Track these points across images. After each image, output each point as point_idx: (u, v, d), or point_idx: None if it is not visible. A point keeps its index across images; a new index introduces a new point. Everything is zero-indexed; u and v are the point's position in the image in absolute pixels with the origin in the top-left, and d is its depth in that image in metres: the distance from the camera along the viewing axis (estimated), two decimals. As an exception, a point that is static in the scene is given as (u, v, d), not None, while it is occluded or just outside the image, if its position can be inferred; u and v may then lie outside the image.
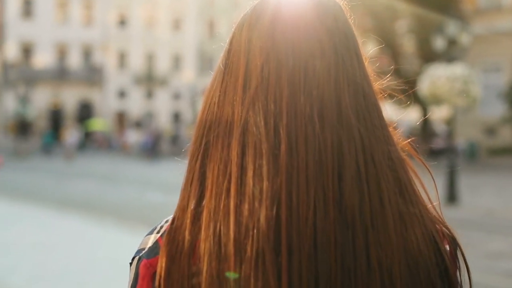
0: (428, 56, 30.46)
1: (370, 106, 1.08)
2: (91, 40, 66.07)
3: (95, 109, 65.79)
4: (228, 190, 1.02)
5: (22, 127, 53.32)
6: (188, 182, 1.09)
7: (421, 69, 29.90)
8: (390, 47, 30.77)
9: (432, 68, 17.39)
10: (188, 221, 1.05)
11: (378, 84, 1.16)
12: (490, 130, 37.68)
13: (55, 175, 27.96)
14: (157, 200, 18.45)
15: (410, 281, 1.02)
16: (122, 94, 67.71)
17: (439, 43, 19.61)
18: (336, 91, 1.05)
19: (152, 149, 42.64)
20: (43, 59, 63.91)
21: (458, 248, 1.11)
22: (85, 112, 64.98)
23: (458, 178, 17.58)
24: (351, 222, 1.00)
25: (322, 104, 1.04)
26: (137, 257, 1.11)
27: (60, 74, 64.23)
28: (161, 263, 1.05)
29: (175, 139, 52.40)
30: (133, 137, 52.44)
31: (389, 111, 1.16)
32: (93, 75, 66.03)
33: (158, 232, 1.12)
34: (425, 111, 27.14)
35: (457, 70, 16.87)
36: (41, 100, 61.93)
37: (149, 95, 69.02)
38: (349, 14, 1.15)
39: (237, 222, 1.00)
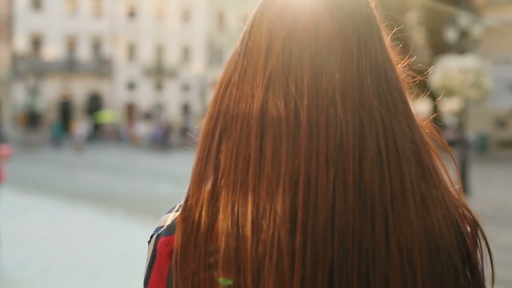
0: (439, 48, 30.32)
1: (393, 89, 1.07)
2: (101, 32, 66.10)
3: (104, 101, 65.87)
4: (247, 171, 1.02)
5: (32, 119, 53.47)
6: (202, 160, 1.09)
7: (432, 61, 29.80)
8: (400, 38, 30.57)
9: (444, 60, 17.28)
10: (205, 200, 1.05)
11: (400, 68, 1.16)
12: (500, 122, 37.54)
13: (64, 167, 28.01)
14: (167, 191, 18.45)
15: (430, 264, 1.01)
16: (131, 85, 67.76)
17: (451, 35, 19.50)
18: (359, 74, 1.04)
19: (163, 141, 42.67)
20: (52, 51, 63.99)
21: (479, 230, 1.10)
22: (94, 104, 65.08)
23: (470, 170, 17.50)
24: (371, 205, 0.99)
25: (344, 86, 1.03)
26: (155, 235, 1.11)
27: (70, 66, 64.33)
28: (177, 240, 1.05)
29: (184, 131, 52.40)
30: (143, 129, 52.48)
31: None
32: (102, 66, 66.09)
33: (177, 211, 1.11)
34: (435, 103, 27.03)
35: (469, 62, 16.76)
36: (50, 92, 62.06)
37: (159, 86, 69.05)
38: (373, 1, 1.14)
39: (255, 204, 1.00)
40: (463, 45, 19.19)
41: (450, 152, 1.17)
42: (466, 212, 1.10)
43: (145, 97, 68.19)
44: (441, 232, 1.02)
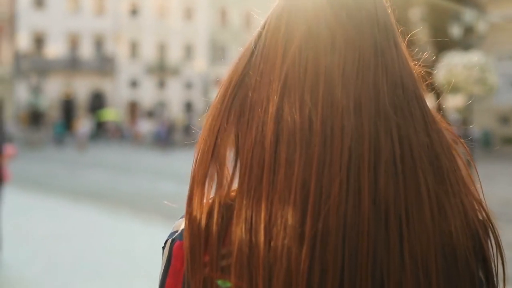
0: (443, 45, 30.26)
1: (409, 96, 1.06)
2: (103, 30, 66.14)
3: (107, 99, 65.92)
4: (261, 177, 1.01)
5: (34, 117, 53.57)
6: (207, 159, 1.07)
7: (436, 58, 29.72)
8: (403, 35, 30.59)
9: (449, 56, 17.19)
10: (216, 204, 1.04)
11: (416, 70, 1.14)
12: (504, 119, 37.49)
13: (68, 166, 28.02)
14: (171, 190, 18.42)
15: (447, 272, 1.01)
16: (134, 83, 67.80)
17: (455, 31, 19.43)
18: (375, 83, 1.03)
19: (166, 139, 42.67)
20: (55, 49, 64.05)
21: (494, 235, 1.09)
22: (97, 102, 65.15)
23: (475, 166, 17.43)
24: (385, 215, 0.98)
25: (360, 95, 1.02)
26: (170, 240, 1.11)
27: (72, 64, 64.39)
28: (186, 244, 1.05)
29: (187, 129, 52.38)
30: (145, 126, 52.50)
31: None
32: (105, 65, 66.15)
33: None
34: (439, 99, 26.90)
35: (473, 58, 16.67)
36: (53, 90, 62.12)
37: (161, 84, 69.07)
38: (388, 3, 1.14)
39: (268, 211, 0.99)
40: (467, 41, 19.11)
41: (470, 155, 1.16)
42: (484, 215, 1.09)
43: (147, 95, 68.23)
44: (458, 240, 1.02)
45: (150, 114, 64.80)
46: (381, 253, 0.98)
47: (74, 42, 65.50)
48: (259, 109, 1.04)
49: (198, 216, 1.04)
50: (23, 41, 62.97)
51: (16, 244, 10.35)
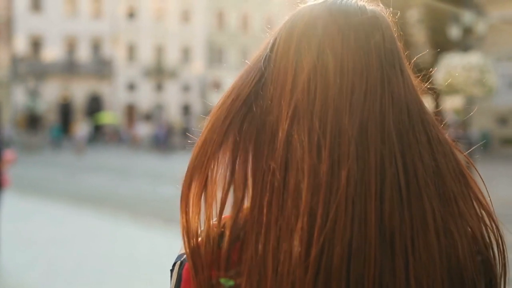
0: (441, 46, 30.24)
1: (415, 122, 1.07)
2: (100, 33, 66.10)
3: (104, 102, 65.87)
4: (270, 203, 1.02)
5: (32, 121, 53.48)
6: (211, 177, 1.08)
7: (434, 59, 29.69)
8: (401, 36, 30.63)
9: (448, 57, 17.16)
10: (228, 224, 1.05)
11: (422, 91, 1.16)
12: (503, 120, 37.49)
13: (66, 169, 27.97)
14: (170, 193, 18.34)
15: None
16: (131, 86, 67.76)
17: (454, 32, 19.39)
18: (381, 111, 1.05)
19: (165, 142, 42.62)
20: (52, 52, 63.99)
21: (501, 254, 1.10)
22: (94, 105, 65.08)
23: (475, 167, 17.39)
24: (390, 242, 1.00)
25: (367, 124, 1.03)
26: (179, 262, 1.11)
27: (69, 67, 64.34)
28: (190, 262, 1.06)
29: (185, 132, 52.24)
30: (143, 129, 52.44)
31: None
32: (102, 68, 66.10)
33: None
34: (437, 100, 26.91)
35: (473, 59, 16.64)
36: (50, 93, 62.05)
37: (159, 87, 69.04)
38: (395, 28, 1.15)
39: (276, 238, 1.00)
40: (466, 42, 19.08)
41: (479, 174, 1.19)
42: (490, 232, 1.10)
43: (145, 98, 68.19)
44: (465, 263, 1.03)
45: (148, 117, 64.76)
46: (387, 280, 0.99)
47: (71, 45, 65.45)
48: (269, 134, 1.06)
49: (206, 239, 1.05)
50: (20, 45, 62.92)
51: (15, 249, 10.30)
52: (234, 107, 1.10)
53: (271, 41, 1.15)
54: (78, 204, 15.98)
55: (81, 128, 44.19)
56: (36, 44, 64.16)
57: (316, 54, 1.06)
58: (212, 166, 1.08)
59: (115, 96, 66.49)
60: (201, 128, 1.15)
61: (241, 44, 73.18)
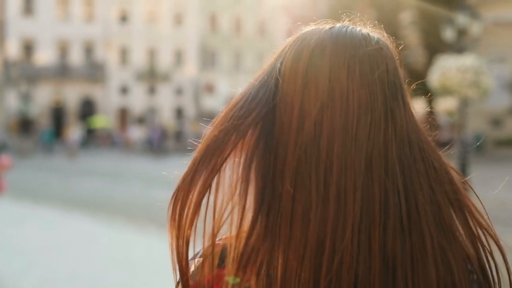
0: (434, 48, 30.30)
1: (415, 152, 1.10)
2: (93, 37, 65.96)
3: (97, 106, 65.72)
4: (279, 232, 1.05)
5: (24, 125, 53.30)
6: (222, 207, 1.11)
7: (427, 61, 29.74)
8: (394, 38, 30.70)
9: (442, 59, 17.16)
10: (241, 242, 1.07)
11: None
12: (496, 122, 37.56)
13: (59, 174, 27.87)
14: (165, 197, 18.26)
15: None
16: (124, 90, 67.63)
17: (448, 33, 19.38)
18: (384, 143, 1.07)
19: (159, 146, 42.53)
20: (44, 56, 63.81)
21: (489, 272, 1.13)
22: (87, 109, 64.93)
23: (470, 170, 17.38)
24: (392, 271, 1.04)
25: (371, 156, 1.06)
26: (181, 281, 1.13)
27: (62, 71, 64.17)
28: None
29: (178, 135, 52.26)
30: (136, 133, 52.33)
31: None
32: (95, 71, 65.96)
33: (200, 257, 1.13)
34: (431, 103, 27.01)
35: (467, 61, 16.65)
36: (43, 97, 61.88)
37: (152, 91, 68.93)
38: (397, 56, 1.16)
39: (284, 265, 1.03)
40: (460, 44, 19.08)
41: (476, 195, 1.19)
42: (487, 251, 1.13)
43: (138, 101, 68.07)
44: (461, 286, 1.07)
45: (141, 120, 64.65)
46: None
47: (63, 49, 65.28)
48: (280, 165, 1.08)
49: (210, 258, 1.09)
50: (13, 48, 62.73)
51: (10, 256, 10.25)
52: (244, 124, 1.11)
53: (278, 65, 1.14)
54: (72, 209, 15.90)
55: (74, 132, 44.06)
56: (28, 48, 63.98)
57: (322, 87, 1.08)
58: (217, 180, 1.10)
59: (108, 100, 66.36)
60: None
61: (234, 47, 73.20)
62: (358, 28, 1.16)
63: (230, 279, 1.05)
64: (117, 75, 66.93)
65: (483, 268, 1.11)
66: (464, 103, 18.16)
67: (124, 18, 68.14)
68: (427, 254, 1.05)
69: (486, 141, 36.03)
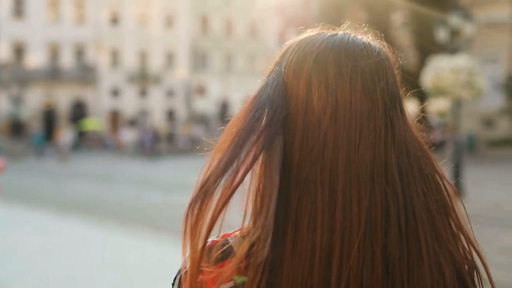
0: (426, 49, 30.30)
1: (412, 159, 1.13)
2: (84, 39, 65.79)
3: (88, 108, 65.56)
4: (286, 234, 1.07)
5: (16, 128, 53.16)
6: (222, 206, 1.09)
7: (420, 62, 29.74)
8: (385, 39, 30.68)
9: (435, 60, 17.16)
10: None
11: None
12: (488, 122, 37.63)
13: (51, 177, 27.77)
14: (157, 200, 18.29)
15: None
16: (115, 92, 67.50)
17: (441, 34, 19.37)
18: (385, 152, 1.11)
19: (151, 148, 42.41)
20: (35, 59, 63.59)
21: (477, 274, 1.19)
22: (78, 111, 64.75)
23: (463, 171, 17.39)
24: (391, 275, 1.08)
25: (373, 165, 1.09)
26: (179, 276, 1.16)
27: (53, 74, 63.97)
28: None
29: (170, 137, 52.15)
30: (128, 135, 52.18)
31: None
32: (86, 74, 65.79)
33: None
34: (423, 103, 26.89)
35: (461, 61, 16.65)
36: (34, 100, 61.66)
37: (143, 93, 68.83)
38: (396, 66, 1.19)
39: (291, 269, 1.06)
40: (453, 45, 19.07)
41: (462, 203, 1.21)
42: (469, 257, 1.18)
43: (129, 103, 67.96)
44: None
45: (132, 123, 64.50)
46: None
47: (54, 52, 65.08)
48: (287, 172, 1.10)
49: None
50: (3, 51, 62.48)
51: (3, 260, 10.17)
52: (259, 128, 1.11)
53: (282, 69, 1.16)
54: (64, 212, 15.83)
55: (65, 135, 43.92)
56: (19, 51, 63.74)
57: (326, 97, 1.10)
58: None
59: (99, 102, 66.21)
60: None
61: (225, 49, 73.18)
62: (359, 37, 1.18)
63: (236, 277, 1.06)
64: (108, 77, 66.80)
65: (471, 274, 1.17)
66: (457, 104, 18.17)
67: (115, 20, 68.00)
68: (422, 258, 1.09)
69: (479, 141, 36.09)
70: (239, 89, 70.74)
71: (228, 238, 1.15)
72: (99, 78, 66.39)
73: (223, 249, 1.12)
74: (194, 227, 1.06)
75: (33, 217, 15.29)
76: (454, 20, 18.84)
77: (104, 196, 20.34)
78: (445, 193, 1.16)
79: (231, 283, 1.08)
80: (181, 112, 68.64)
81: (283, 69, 1.15)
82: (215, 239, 1.14)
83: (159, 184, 23.52)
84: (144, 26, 69.35)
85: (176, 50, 71.06)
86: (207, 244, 1.11)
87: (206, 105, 70.79)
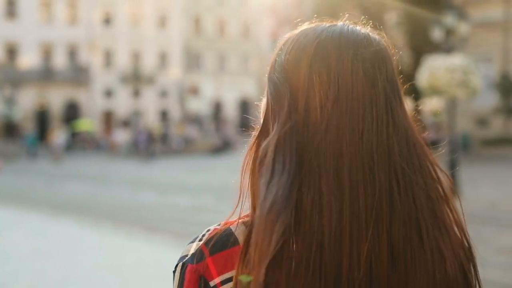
0: (420, 48, 30.31)
1: (411, 146, 1.15)
2: (77, 39, 65.65)
3: (81, 109, 65.45)
4: (291, 222, 1.07)
5: (8, 129, 52.99)
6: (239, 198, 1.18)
7: (413, 61, 29.76)
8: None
9: (430, 59, 17.13)
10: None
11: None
12: (482, 121, 37.66)
13: (45, 178, 27.66)
14: (152, 200, 18.23)
15: None
16: (108, 93, 67.39)
17: (436, 34, 19.36)
18: (388, 139, 1.12)
19: (145, 148, 42.33)
20: (28, 59, 63.42)
21: (473, 264, 1.20)
22: (71, 112, 64.63)
23: (458, 170, 17.37)
24: (396, 257, 1.10)
25: (377, 152, 1.11)
26: (181, 263, 1.16)
27: (46, 75, 63.80)
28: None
29: (164, 138, 52.06)
30: (121, 136, 52.08)
31: None
32: (79, 74, 65.65)
33: (200, 240, 1.17)
34: (418, 103, 27.02)
35: (456, 60, 16.63)
36: (27, 101, 61.50)
37: (136, 93, 68.74)
38: (394, 57, 1.21)
39: (302, 253, 1.07)
40: (448, 44, 19.06)
41: (458, 196, 1.24)
42: (466, 247, 1.19)
43: (122, 104, 67.86)
44: (454, 277, 1.14)
45: (126, 123, 64.42)
46: None
47: (47, 52, 64.92)
48: (296, 162, 1.11)
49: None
50: (-5, 52, 62.34)
51: (0, 261, 10.10)
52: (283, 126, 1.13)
53: (282, 58, 1.18)
54: (58, 214, 15.76)
55: (58, 136, 43.82)
56: (11, 52, 63.55)
57: (327, 83, 1.12)
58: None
59: (92, 103, 66.09)
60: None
61: (218, 49, 73.16)
62: (358, 27, 1.20)
63: (242, 277, 1.06)
64: (101, 78, 66.68)
65: (470, 261, 1.19)
66: (452, 103, 18.15)
67: (107, 21, 67.89)
68: (423, 244, 1.11)
69: (473, 140, 36.13)
70: (232, 89, 70.76)
71: (230, 227, 1.16)
72: (92, 79, 66.26)
73: (227, 237, 1.14)
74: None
75: (27, 219, 15.21)
76: (449, 19, 18.82)
77: (99, 197, 20.27)
78: (441, 183, 1.18)
79: (234, 272, 1.10)
80: (175, 113, 68.57)
81: (283, 57, 1.17)
82: (217, 227, 1.17)
83: (154, 184, 23.46)
84: (137, 26, 69.27)
85: (169, 50, 71.00)
86: (209, 232, 1.16)
87: (200, 105, 70.75)
